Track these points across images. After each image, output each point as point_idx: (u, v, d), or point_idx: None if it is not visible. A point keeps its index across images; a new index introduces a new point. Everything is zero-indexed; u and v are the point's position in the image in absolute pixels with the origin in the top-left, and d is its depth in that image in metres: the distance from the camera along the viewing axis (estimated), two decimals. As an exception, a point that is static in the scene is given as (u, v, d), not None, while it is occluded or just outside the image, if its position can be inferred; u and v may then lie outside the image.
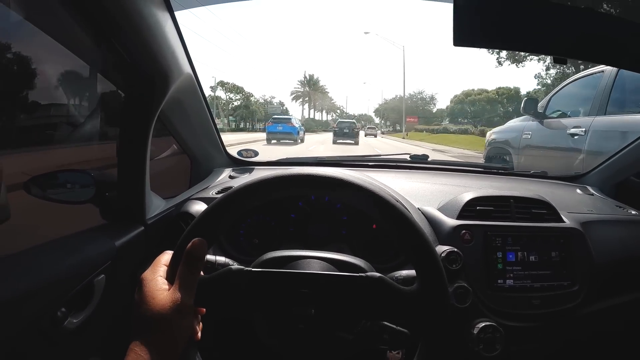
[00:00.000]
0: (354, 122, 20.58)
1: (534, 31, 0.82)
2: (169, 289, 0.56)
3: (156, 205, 1.09)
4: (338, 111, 63.43)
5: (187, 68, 1.05)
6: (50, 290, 0.71)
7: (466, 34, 0.81)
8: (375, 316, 0.63)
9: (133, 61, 0.88)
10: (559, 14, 0.81)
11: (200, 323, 0.62)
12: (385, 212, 0.60)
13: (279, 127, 16.01)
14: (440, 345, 0.60)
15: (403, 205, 0.62)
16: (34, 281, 0.68)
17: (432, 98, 52.60)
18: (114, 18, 0.77)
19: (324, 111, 61.62)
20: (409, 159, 1.75)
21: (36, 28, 0.84)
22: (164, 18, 0.88)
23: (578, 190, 1.53)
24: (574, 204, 1.31)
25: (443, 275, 0.59)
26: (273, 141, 15.31)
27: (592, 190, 1.54)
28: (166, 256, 0.61)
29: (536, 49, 0.89)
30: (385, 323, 0.63)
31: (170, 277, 0.58)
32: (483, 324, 0.94)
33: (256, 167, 1.58)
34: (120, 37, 0.82)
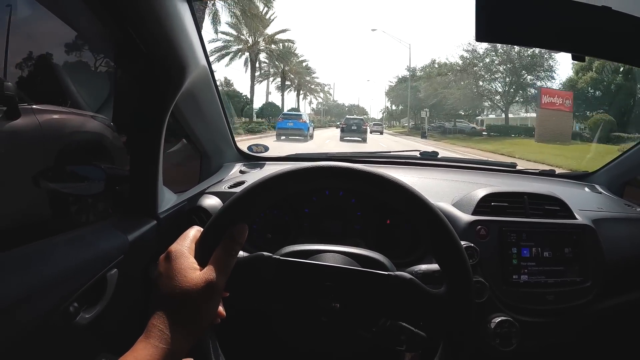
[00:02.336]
0: (361, 119, 20.05)
1: (552, 29, 0.83)
2: (200, 269, 0.54)
3: (168, 199, 1.08)
4: (321, 95, 41.56)
5: (202, 60, 1.04)
6: (62, 285, 0.69)
7: (488, 30, 0.82)
8: (397, 316, 0.62)
9: (149, 51, 0.86)
10: (577, 12, 0.82)
11: (223, 307, 0.60)
12: (417, 210, 0.60)
13: (290, 124, 15.67)
14: (462, 350, 0.60)
15: (434, 205, 0.62)
16: (45, 275, 0.67)
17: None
18: (133, 7, 0.76)
19: (293, 87, 33.56)
20: (418, 155, 1.75)
21: (52, 14, 0.83)
22: (183, 8, 0.87)
23: (586, 189, 1.54)
24: (583, 202, 1.31)
25: (472, 280, 0.59)
26: (282, 137, 15.02)
27: (600, 189, 1.55)
28: (194, 231, 0.59)
29: (555, 46, 0.89)
30: (404, 324, 0.62)
31: (199, 256, 0.56)
32: (499, 319, 0.94)
33: (267, 163, 1.58)
34: (137, 27, 0.81)
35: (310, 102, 42.51)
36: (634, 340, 1.23)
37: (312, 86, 38.16)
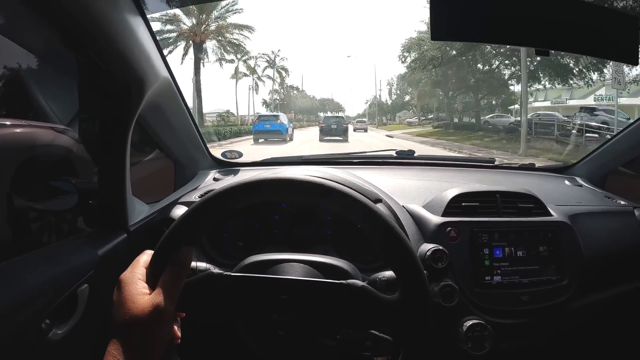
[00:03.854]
0: (342, 117, 18.66)
1: (513, 23, 0.81)
2: (149, 293, 0.54)
3: (139, 211, 1.08)
4: (274, 76, 28.07)
5: (163, 72, 1.03)
6: (33, 302, 0.70)
7: (444, 27, 0.80)
8: (356, 324, 0.61)
9: (107, 68, 0.86)
10: (540, 4, 0.80)
11: (179, 328, 0.61)
12: (366, 218, 0.59)
13: (267, 125, 15.21)
14: (421, 354, 0.58)
15: (383, 211, 0.60)
16: (15, 294, 0.67)
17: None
18: (86, 26, 0.75)
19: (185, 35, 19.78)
20: (394, 155, 1.74)
21: (7, 40, 0.83)
22: (136, 23, 0.86)
23: (566, 182, 1.52)
24: (562, 197, 1.30)
25: (426, 284, 0.58)
26: (261, 140, 14.62)
27: (580, 181, 1.53)
28: (145, 257, 0.59)
29: (518, 41, 0.88)
30: (369, 330, 0.62)
31: (150, 280, 0.56)
32: (471, 322, 0.93)
33: (241, 168, 1.57)
34: (93, 45, 0.81)
35: (255, 88, 26.85)
36: (611, 338, 1.22)
37: (232, 36, 21.60)
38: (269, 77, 27.95)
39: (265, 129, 14.97)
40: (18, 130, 1.14)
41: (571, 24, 0.83)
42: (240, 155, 1.66)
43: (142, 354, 0.52)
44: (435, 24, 0.81)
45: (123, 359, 0.50)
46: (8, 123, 1.11)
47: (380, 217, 0.58)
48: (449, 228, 1.03)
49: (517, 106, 18.88)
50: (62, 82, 1.14)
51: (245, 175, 0.57)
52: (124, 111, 0.94)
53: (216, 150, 1.63)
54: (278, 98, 30.45)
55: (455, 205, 1.08)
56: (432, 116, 25.94)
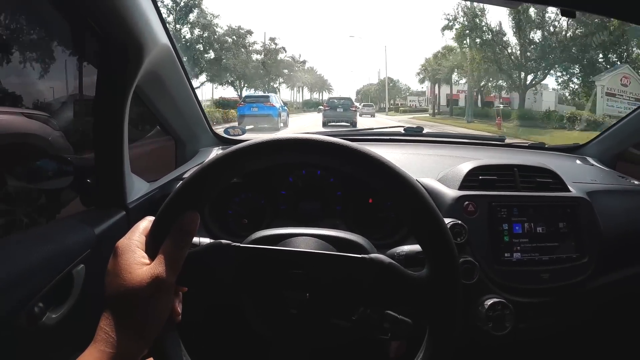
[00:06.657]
0: (349, 99, 16.02)
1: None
2: (148, 263, 0.49)
3: (138, 188, 1.03)
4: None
5: (163, 38, 0.98)
6: (24, 285, 0.65)
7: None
8: (377, 303, 0.56)
9: (104, 31, 0.81)
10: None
11: (181, 304, 0.56)
12: (394, 185, 0.53)
13: (254, 109, 13.05)
14: (449, 336, 0.53)
15: (419, 184, 0.54)
16: (4, 276, 0.63)
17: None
18: None
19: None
20: (403, 131, 1.69)
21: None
22: None
23: (578, 161, 1.50)
24: (576, 174, 1.27)
25: (457, 259, 0.53)
26: (248, 127, 12.15)
27: (592, 161, 1.51)
28: (145, 223, 0.54)
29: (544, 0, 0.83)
30: (387, 311, 0.57)
31: (150, 249, 0.51)
32: (492, 301, 0.89)
33: None
34: (90, 7, 0.76)
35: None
36: (632, 317, 1.20)
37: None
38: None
39: (251, 113, 12.94)
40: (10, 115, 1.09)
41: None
42: (244, 132, 1.62)
43: (137, 330, 0.47)
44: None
45: (115, 334, 0.46)
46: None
47: (413, 186, 0.52)
48: (467, 202, 0.99)
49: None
50: (56, 52, 1.08)
51: None
52: (121, 80, 0.89)
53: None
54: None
55: (472, 178, 1.04)
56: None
